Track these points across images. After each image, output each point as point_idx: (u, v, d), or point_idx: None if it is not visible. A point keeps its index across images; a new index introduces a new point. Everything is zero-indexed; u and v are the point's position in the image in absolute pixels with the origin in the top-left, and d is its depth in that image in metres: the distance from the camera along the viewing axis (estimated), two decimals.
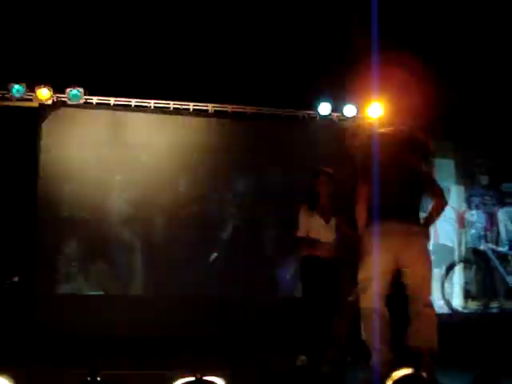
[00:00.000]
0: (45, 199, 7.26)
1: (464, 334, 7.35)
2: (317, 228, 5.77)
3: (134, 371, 5.45)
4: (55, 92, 7.34)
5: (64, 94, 7.34)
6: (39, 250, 7.14)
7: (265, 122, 8.01)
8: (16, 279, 7.34)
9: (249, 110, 7.95)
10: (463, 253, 8.74)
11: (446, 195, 4.89)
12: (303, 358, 5.62)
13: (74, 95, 7.31)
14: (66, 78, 7.27)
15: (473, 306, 8.69)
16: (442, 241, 8.60)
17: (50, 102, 7.34)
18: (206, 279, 7.53)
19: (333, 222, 5.82)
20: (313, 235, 5.76)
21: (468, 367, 4.54)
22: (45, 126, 7.40)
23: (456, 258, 8.61)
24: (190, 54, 7.83)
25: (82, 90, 7.32)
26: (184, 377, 2.94)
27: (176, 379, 2.94)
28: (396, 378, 3.23)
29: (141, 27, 7.80)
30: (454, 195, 8.78)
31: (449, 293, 8.50)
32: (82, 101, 7.41)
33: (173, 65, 7.71)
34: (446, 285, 8.51)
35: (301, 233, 5.78)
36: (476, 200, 8.91)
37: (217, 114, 7.91)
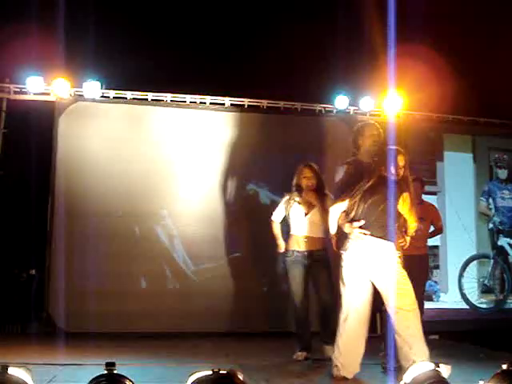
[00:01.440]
0: (61, 193, 7.28)
1: (482, 329, 7.31)
2: (296, 220, 5.86)
3: (150, 364, 5.46)
4: (72, 86, 7.35)
5: (81, 87, 7.35)
6: (55, 243, 7.17)
7: (281, 116, 7.98)
8: (33, 272, 7.39)
9: (265, 103, 7.92)
10: (481, 248, 8.68)
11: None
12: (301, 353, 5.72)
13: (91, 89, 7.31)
14: (83, 71, 7.28)
15: (490, 301, 8.63)
16: (460, 235, 8.54)
17: (67, 95, 7.36)
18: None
19: (316, 215, 5.82)
20: (294, 228, 5.86)
21: (486, 362, 4.52)
22: (62, 119, 7.41)
23: (473, 253, 8.54)
24: (206, 46, 7.83)
25: (98, 83, 7.32)
26: (201, 370, 2.94)
27: (193, 373, 2.94)
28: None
29: (157, 21, 7.81)
30: (472, 189, 8.72)
31: (466, 288, 8.44)
32: (98, 95, 7.41)
33: (190, 58, 7.71)
34: (464, 280, 8.45)
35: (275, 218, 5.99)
36: (494, 194, 8.84)
37: (233, 107, 7.89)
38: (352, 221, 4.76)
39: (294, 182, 5.96)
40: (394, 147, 4.93)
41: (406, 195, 4.79)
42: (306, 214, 5.83)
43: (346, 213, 4.84)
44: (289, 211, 5.89)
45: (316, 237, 5.82)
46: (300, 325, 5.84)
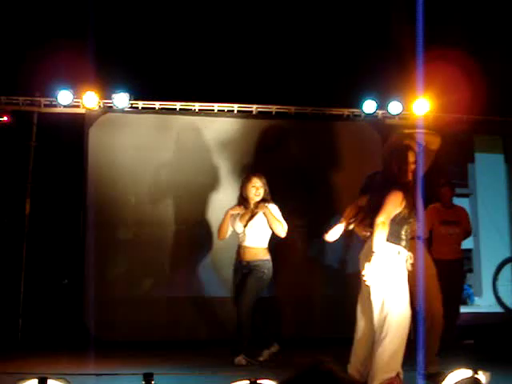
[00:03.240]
0: (93, 203, 7.35)
1: None
2: (238, 231, 6.07)
3: (186, 374, 5.47)
4: (101, 98, 7.43)
5: (110, 99, 7.42)
6: (87, 253, 7.24)
7: (309, 122, 7.96)
8: (66, 282, 7.47)
9: (293, 109, 7.91)
10: None
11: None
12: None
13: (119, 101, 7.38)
14: (112, 83, 7.35)
15: None
16: (494, 238, 8.43)
17: (96, 107, 7.44)
18: None
19: (258, 226, 5.98)
20: (238, 239, 6.09)
21: None
22: (92, 131, 7.49)
23: (508, 255, 8.41)
24: (234, 55, 7.85)
25: (127, 94, 7.38)
26: (238, 380, 2.94)
27: (230, 382, 2.94)
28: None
29: (180, 31, 7.86)
30: (504, 190, 8.60)
31: (501, 291, 8.32)
32: (127, 106, 7.48)
33: (216, 66, 7.74)
34: (498, 283, 8.32)
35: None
36: None
37: (261, 114, 7.89)
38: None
39: (241, 192, 6.11)
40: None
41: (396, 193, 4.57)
42: (245, 226, 6.02)
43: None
44: (233, 223, 6.10)
45: (256, 247, 6.02)
46: (240, 330, 5.87)
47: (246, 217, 6.01)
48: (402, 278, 4.51)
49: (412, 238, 4.78)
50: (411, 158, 4.69)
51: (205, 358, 6.32)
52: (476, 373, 3.15)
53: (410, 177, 4.68)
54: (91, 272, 7.17)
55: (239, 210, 6.05)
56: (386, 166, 4.78)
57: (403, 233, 4.54)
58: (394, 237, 4.49)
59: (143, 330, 7.16)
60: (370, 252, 4.40)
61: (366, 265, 4.38)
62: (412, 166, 4.67)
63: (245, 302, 5.86)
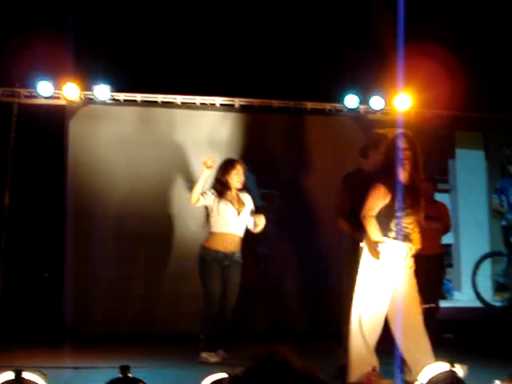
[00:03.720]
0: (73, 196, 7.30)
1: (496, 327, 7.26)
2: (227, 218, 5.75)
3: (164, 367, 5.45)
4: (82, 89, 7.37)
5: (91, 91, 7.36)
6: (67, 246, 7.18)
7: (290, 116, 7.95)
8: (46, 275, 7.41)
9: (275, 103, 7.90)
10: (494, 245, 8.62)
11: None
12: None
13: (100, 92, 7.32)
14: (93, 75, 7.29)
15: (504, 298, 8.56)
16: (473, 233, 8.49)
17: (77, 99, 7.38)
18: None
19: (246, 215, 5.80)
20: (222, 226, 5.74)
21: (503, 360, 4.49)
22: (72, 123, 7.43)
23: (487, 250, 8.48)
24: (217, 48, 7.82)
25: (108, 86, 7.33)
26: (216, 372, 2.93)
27: (207, 376, 2.93)
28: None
29: (163, 23, 7.81)
30: (484, 186, 8.66)
31: (480, 286, 8.38)
32: (108, 98, 7.42)
33: (198, 59, 7.71)
34: (477, 278, 8.39)
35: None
36: (507, 191, 8.77)
37: (243, 108, 7.87)
38: None
39: (221, 176, 5.80)
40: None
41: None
42: (238, 213, 5.77)
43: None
44: (218, 208, 5.72)
45: (241, 236, 5.82)
46: (212, 325, 5.72)
47: (238, 204, 5.80)
48: (381, 273, 4.52)
49: (418, 232, 4.78)
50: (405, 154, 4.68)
51: (183, 351, 6.31)
52: (453, 366, 3.17)
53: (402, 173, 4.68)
54: (70, 265, 7.13)
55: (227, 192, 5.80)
56: (385, 166, 4.77)
57: (392, 224, 4.55)
58: (382, 229, 4.51)
59: (122, 324, 7.13)
60: (372, 244, 4.47)
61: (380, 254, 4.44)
62: (405, 163, 4.67)
63: (234, 300, 5.74)
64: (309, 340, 6.62)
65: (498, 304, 8.46)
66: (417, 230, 4.75)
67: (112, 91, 7.39)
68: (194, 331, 6.93)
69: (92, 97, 7.41)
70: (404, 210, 4.59)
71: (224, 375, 2.88)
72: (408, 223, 4.65)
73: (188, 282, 7.43)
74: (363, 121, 7.91)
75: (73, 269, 7.10)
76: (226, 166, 5.87)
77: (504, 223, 8.67)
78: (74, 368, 5.22)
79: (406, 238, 4.61)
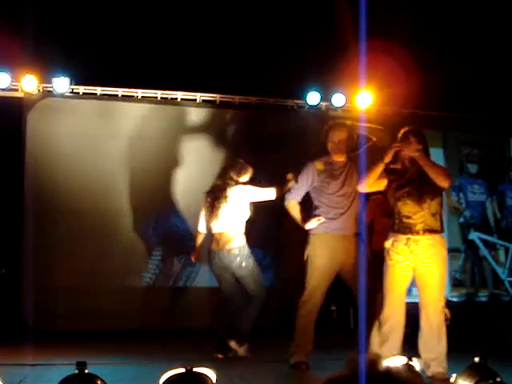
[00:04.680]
0: (31, 190, 7.17)
1: (453, 322, 7.37)
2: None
3: (122, 363, 5.41)
4: (41, 82, 7.23)
5: (50, 83, 7.23)
6: (25, 241, 7.06)
7: (253, 112, 7.95)
8: (3, 271, 7.27)
9: (237, 99, 7.88)
10: (452, 242, 8.75)
11: None
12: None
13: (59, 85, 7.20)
14: (53, 67, 7.17)
15: (461, 294, 8.71)
16: None
17: (35, 91, 7.24)
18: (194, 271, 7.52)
19: (224, 212, 5.84)
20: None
21: (459, 354, 4.56)
22: (30, 116, 7.29)
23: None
24: (178, 42, 7.77)
25: (68, 79, 7.21)
26: (174, 368, 2.91)
27: (166, 371, 2.90)
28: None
29: (126, 15, 7.73)
30: None
31: None
32: (68, 91, 7.30)
33: (161, 53, 7.65)
34: None
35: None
36: (465, 189, 8.92)
37: (205, 103, 7.84)
38: None
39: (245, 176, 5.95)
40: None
41: None
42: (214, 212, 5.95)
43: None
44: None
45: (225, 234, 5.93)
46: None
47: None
48: None
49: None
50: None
51: (141, 347, 6.28)
52: (410, 359, 3.20)
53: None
54: (29, 261, 7.00)
55: None
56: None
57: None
58: None
59: (82, 321, 7.03)
60: None
61: None
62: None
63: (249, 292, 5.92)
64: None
65: (454, 299, 8.60)
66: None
67: (71, 84, 7.28)
68: (155, 327, 6.90)
69: (51, 89, 7.29)
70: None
71: (182, 370, 2.86)
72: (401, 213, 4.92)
73: (149, 277, 7.41)
74: (325, 117, 7.96)
75: (31, 264, 6.97)
76: (247, 166, 6.08)
77: (462, 220, 8.83)
78: (32, 365, 5.14)
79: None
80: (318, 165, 5.39)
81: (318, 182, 5.36)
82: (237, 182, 5.85)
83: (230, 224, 5.77)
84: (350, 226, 5.38)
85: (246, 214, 5.83)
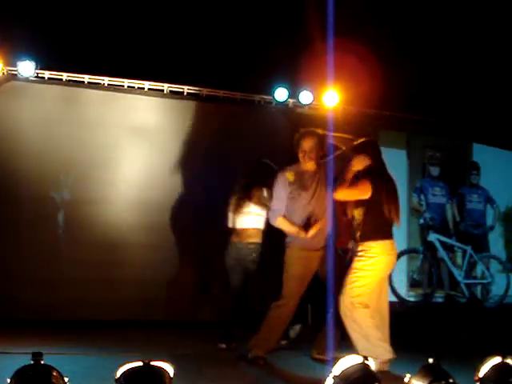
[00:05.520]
0: None
1: (409, 322, 7.49)
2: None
3: (79, 354, 5.36)
4: (5, 65, 7.09)
5: (15, 67, 7.10)
6: None
7: (220, 105, 7.93)
8: None
9: (205, 91, 7.85)
10: (411, 242, 8.88)
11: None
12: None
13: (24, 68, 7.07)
14: (18, 50, 7.03)
15: (418, 294, 8.85)
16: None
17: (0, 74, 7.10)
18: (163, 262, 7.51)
19: (248, 210, 6.02)
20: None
21: (414, 354, 4.64)
22: None
23: (404, 247, 8.71)
24: (147, 31, 7.70)
25: (33, 63, 7.08)
26: (132, 362, 2.89)
27: (123, 364, 2.89)
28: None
29: (95, 1, 7.64)
30: (405, 185, 8.89)
31: (395, 281, 8.62)
32: (33, 75, 7.18)
33: (131, 42, 7.58)
34: (393, 273, 8.61)
35: None
36: (426, 191, 9.05)
37: (172, 94, 7.79)
38: None
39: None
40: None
41: None
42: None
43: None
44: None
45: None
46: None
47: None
48: None
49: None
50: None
51: (99, 338, 6.23)
52: (366, 359, 3.24)
53: None
54: None
55: None
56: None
57: None
58: None
59: (40, 309, 6.93)
60: None
61: None
62: None
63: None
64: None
65: (411, 299, 8.74)
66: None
67: (37, 68, 7.15)
68: (113, 318, 6.84)
69: (16, 73, 7.15)
70: None
71: (139, 364, 2.85)
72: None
73: (108, 267, 7.35)
74: (291, 114, 8.00)
75: None
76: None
77: (421, 221, 8.96)
78: None
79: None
80: (289, 175, 5.42)
81: (289, 192, 5.39)
82: (262, 182, 5.96)
83: (252, 221, 6.00)
84: (324, 234, 5.42)
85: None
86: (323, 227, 5.37)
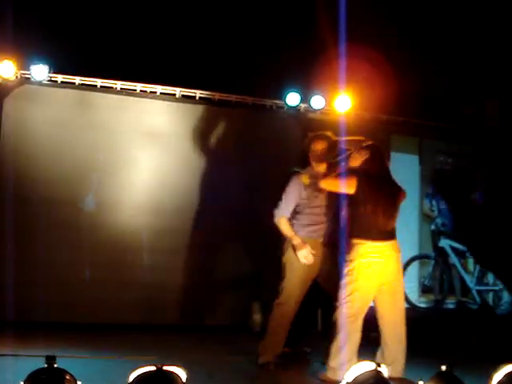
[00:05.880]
0: (5, 178, 7.06)
1: (421, 328, 7.45)
2: None
3: (92, 357, 5.37)
4: (19, 68, 7.13)
5: (28, 70, 7.14)
6: (1, 231, 6.93)
7: (232, 110, 7.94)
8: None
9: (217, 96, 7.87)
10: (423, 248, 8.84)
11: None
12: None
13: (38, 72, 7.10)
14: (32, 54, 7.07)
15: (429, 300, 8.80)
16: (404, 236, 8.67)
17: (13, 78, 7.14)
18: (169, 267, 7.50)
19: None
20: None
21: (425, 360, 4.62)
22: (7, 102, 7.17)
23: (416, 253, 8.68)
24: (160, 36, 7.72)
25: (47, 67, 7.12)
26: (144, 366, 2.90)
27: (136, 368, 2.89)
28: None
29: (108, 5, 7.67)
30: (417, 191, 8.86)
31: (407, 287, 8.58)
32: (46, 78, 7.21)
33: (143, 47, 7.60)
34: (405, 279, 8.57)
35: None
36: (438, 196, 9.01)
37: (184, 98, 7.81)
38: None
39: None
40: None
41: None
42: None
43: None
44: None
45: None
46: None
47: None
48: None
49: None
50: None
51: (112, 341, 6.24)
52: (379, 365, 3.23)
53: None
54: (3, 250, 6.88)
55: None
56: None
57: None
58: None
59: (54, 312, 6.94)
60: None
61: None
62: None
63: None
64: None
65: (423, 305, 8.69)
66: None
67: (50, 72, 7.19)
68: (125, 321, 6.84)
69: (29, 76, 7.19)
70: None
71: (152, 368, 2.85)
72: None
73: (121, 271, 7.37)
74: (303, 119, 8.00)
75: (5, 254, 6.84)
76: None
77: (433, 227, 8.92)
78: None
79: None
80: (305, 179, 5.44)
81: (305, 196, 5.42)
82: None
83: None
84: (329, 233, 5.47)
85: None
86: (330, 223, 5.47)
